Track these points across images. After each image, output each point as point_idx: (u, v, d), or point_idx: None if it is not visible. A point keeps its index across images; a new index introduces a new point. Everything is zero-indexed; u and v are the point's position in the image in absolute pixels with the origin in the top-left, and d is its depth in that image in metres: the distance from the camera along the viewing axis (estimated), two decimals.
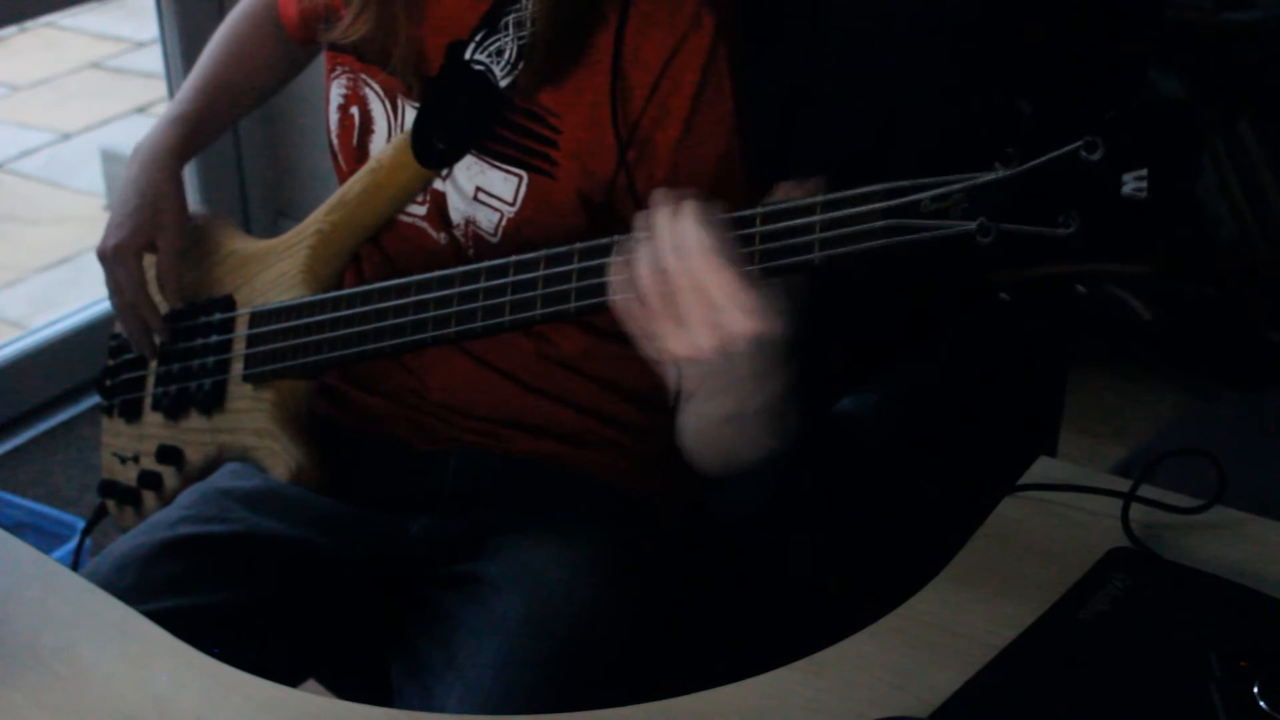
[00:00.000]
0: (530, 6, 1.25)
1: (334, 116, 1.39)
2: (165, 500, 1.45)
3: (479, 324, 1.21)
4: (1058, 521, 1.13)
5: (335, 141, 1.40)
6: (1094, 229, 0.92)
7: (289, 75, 1.61)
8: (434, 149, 1.31)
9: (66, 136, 4.07)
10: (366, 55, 1.35)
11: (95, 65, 4.53)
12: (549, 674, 1.18)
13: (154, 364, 1.50)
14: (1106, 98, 1.40)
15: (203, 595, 1.25)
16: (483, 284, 1.20)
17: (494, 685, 1.17)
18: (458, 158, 1.31)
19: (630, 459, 1.37)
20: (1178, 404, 2.62)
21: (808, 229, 1.02)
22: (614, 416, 1.36)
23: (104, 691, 1.00)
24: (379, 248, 1.39)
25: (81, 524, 1.61)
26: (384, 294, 1.28)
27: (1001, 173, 0.95)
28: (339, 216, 1.37)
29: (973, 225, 0.95)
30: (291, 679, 1.30)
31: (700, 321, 1.02)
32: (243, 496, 1.35)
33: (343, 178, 1.40)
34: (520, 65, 1.26)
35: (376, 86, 1.35)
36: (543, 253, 1.16)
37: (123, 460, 1.51)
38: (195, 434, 1.44)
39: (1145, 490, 1.12)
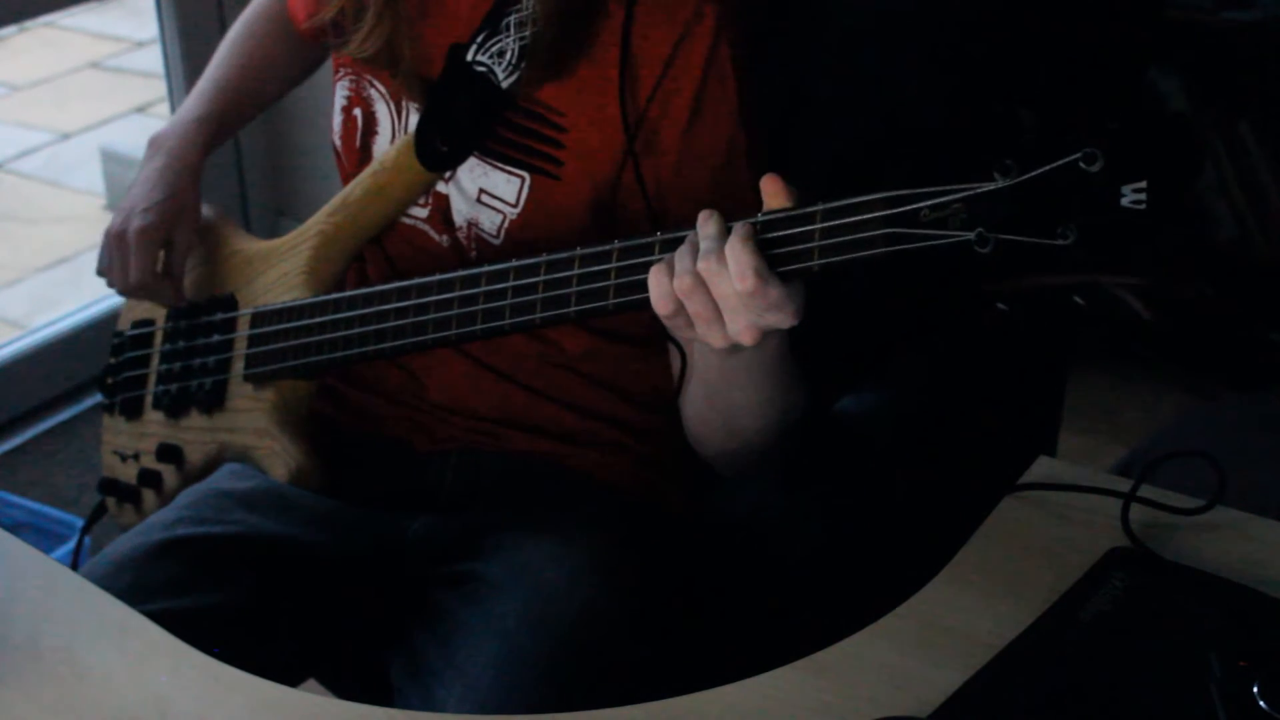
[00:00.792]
0: (531, 7, 1.25)
1: (337, 118, 1.40)
2: (165, 499, 1.46)
3: (479, 326, 1.21)
4: (1058, 521, 1.13)
5: (339, 143, 1.40)
6: (1092, 240, 0.92)
7: (304, 74, 1.61)
8: (437, 151, 1.31)
9: (66, 136, 4.07)
10: (371, 59, 1.35)
11: (95, 65, 4.53)
12: (549, 674, 1.18)
13: (155, 362, 1.50)
14: (1106, 100, 1.40)
15: (201, 596, 1.25)
16: (483, 287, 1.21)
17: (494, 685, 1.17)
18: (461, 160, 1.31)
19: (630, 459, 1.37)
20: (1178, 404, 2.62)
21: (807, 237, 1.03)
22: (614, 417, 1.36)
23: (104, 691, 1.00)
24: (381, 249, 1.39)
25: (81, 524, 1.61)
26: (385, 296, 1.28)
27: (1001, 183, 0.95)
28: (341, 218, 1.37)
29: (971, 235, 0.95)
30: (291, 679, 1.30)
31: (739, 321, 1.06)
32: (241, 497, 1.35)
33: (346, 179, 1.40)
34: (522, 66, 1.26)
35: (381, 88, 1.36)
36: (544, 258, 1.17)
37: (123, 458, 1.51)
38: (196, 433, 1.44)
39: (1145, 490, 1.12)
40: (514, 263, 1.19)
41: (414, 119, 1.33)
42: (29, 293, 3.26)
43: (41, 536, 2.02)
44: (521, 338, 1.32)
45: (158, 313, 1.51)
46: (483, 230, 1.32)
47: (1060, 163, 0.93)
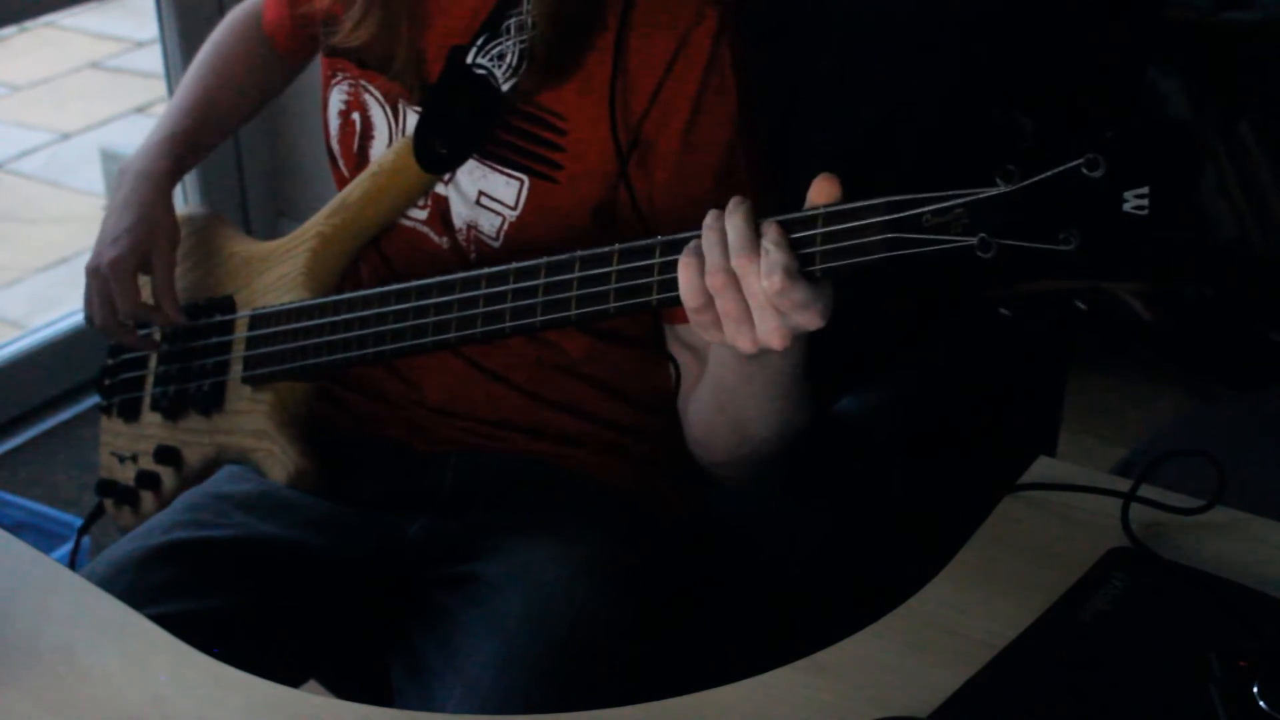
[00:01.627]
0: (531, 9, 1.25)
1: (334, 122, 1.39)
2: (163, 500, 1.46)
3: (479, 329, 1.21)
4: (1058, 521, 1.13)
5: (336, 147, 1.40)
6: (1094, 246, 0.92)
7: (276, 91, 1.60)
8: (436, 153, 1.31)
9: (66, 136, 4.07)
10: (367, 61, 1.35)
11: (95, 65, 4.53)
12: (548, 674, 1.18)
13: (153, 364, 1.50)
14: (1108, 103, 1.40)
15: (200, 600, 1.25)
16: (483, 290, 1.20)
17: (494, 685, 1.17)
18: (460, 162, 1.31)
19: (629, 460, 1.37)
20: (1178, 404, 2.62)
21: (808, 241, 1.02)
22: (613, 418, 1.36)
23: (104, 691, 1.00)
24: (380, 251, 1.39)
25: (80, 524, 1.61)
26: (384, 298, 1.28)
27: (1003, 188, 0.95)
28: (340, 220, 1.37)
29: (973, 240, 0.95)
30: (291, 679, 1.29)
31: (768, 322, 1.04)
32: (240, 500, 1.35)
33: (341, 184, 1.40)
34: (522, 69, 1.26)
35: (376, 92, 1.35)
36: (543, 260, 1.16)
37: (121, 460, 1.51)
38: (194, 435, 1.44)
39: (1145, 490, 1.12)
40: (514, 265, 1.19)
41: (411, 122, 1.33)
42: (29, 293, 3.26)
43: (41, 536, 2.02)
44: (520, 339, 1.32)
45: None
46: (482, 232, 1.32)
47: (1062, 168, 0.93)
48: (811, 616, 1.28)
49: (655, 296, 1.12)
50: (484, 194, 1.31)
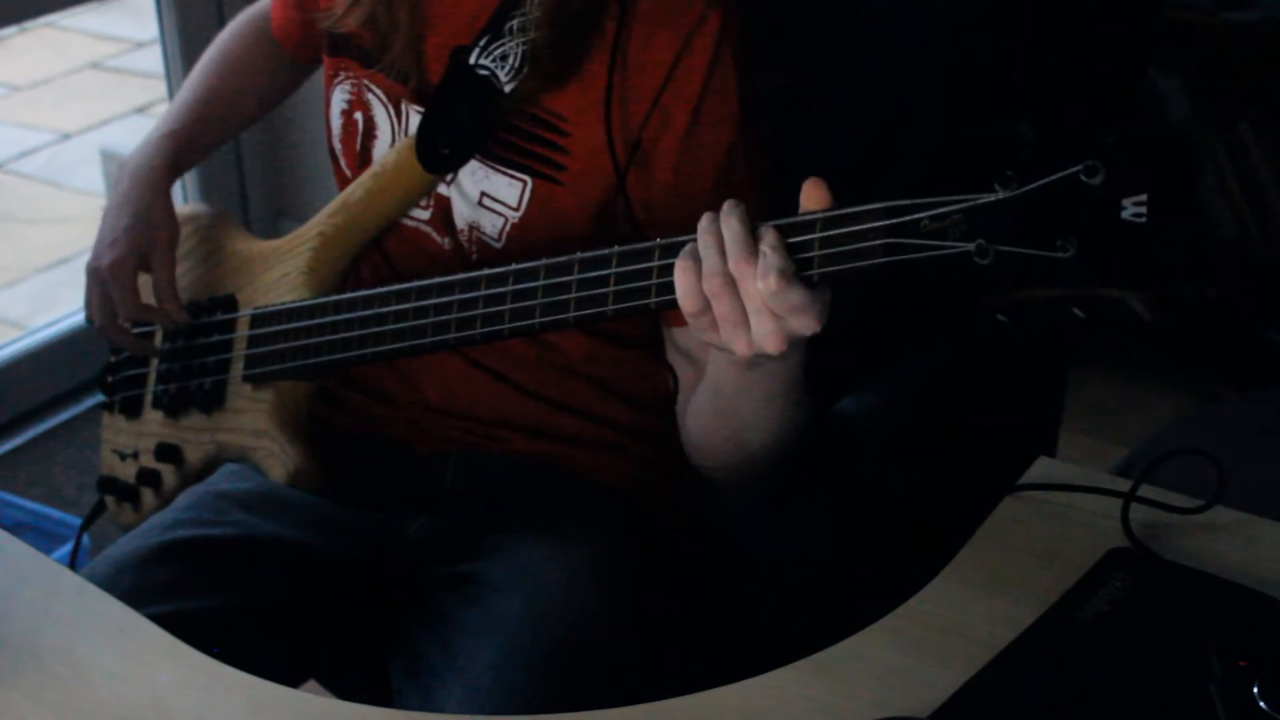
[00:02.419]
0: (534, 11, 1.24)
1: (336, 122, 1.39)
2: (164, 498, 1.46)
3: (479, 331, 1.21)
4: (1058, 521, 1.13)
5: (338, 146, 1.40)
6: (1092, 253, 0.92)
7: (280, 97, 1.60)
8: (438, 154, 1.31)
9: (66, 136, 4.07)
10: (370, 58, 1.35)
11: (95, 65, 4.53)
12: (548, 674, 1.18)
13: (155, 361, 1.50)
14: (1107, 105, 1.40)
15: (201, 599, 1.25)
16: (483, 291, 1.20)
17: (494, 685, 1.17)
18: (462, 163, 1.31)
19: (630, 460, 1.37)
20: (1178, 404, 2.62)
21: (806, 246, 1.02)
22: (613, 419, 1.36)
23: (104, 691, 1.00)
24: (382, 251, 1.39)
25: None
26: (385, 299, 1.28)
27: (1001, 194, 0.95)
28: (342, 219, 1.37)
29: (971, 246, 0.95)
30: (291, 679, 1.29)
31: (764, 326, 1.04)
32: (240, 499, 1.35)
33: (343, 184, 1.40)
34: (524, 70, 1.26)
35: (379, 91, 1.35)
36: (542, 262, 1.16)
37: (122, 457, 1.51)
38: (195, 433, 1.44)
39: (1145, 490, 1.12)
40: (513, 267, 1.18)
41: (414, 121, 1.33)
42: (29, 293, 3.26)
43: (41, 537, 2.02)
44: (521, 340, 1.32)
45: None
46: (484, 233, 1.32)
47: (1061, 175, 0.93)
48: (811, 616, 1.28)
49: (654, 300, 1.12)
50: (486, 195, 1.31)
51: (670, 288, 1.08)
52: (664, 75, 1.23)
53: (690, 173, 1.25)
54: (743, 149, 1.25)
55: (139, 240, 1.41)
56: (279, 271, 1.40)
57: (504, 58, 1.27)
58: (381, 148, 1.37)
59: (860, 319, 1.39)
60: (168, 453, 1.45)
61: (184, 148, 1.48)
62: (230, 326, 1.43)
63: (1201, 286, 0.92)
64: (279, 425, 1.37)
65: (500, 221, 1.30)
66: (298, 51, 1.51)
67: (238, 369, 1.41)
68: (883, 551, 1.37)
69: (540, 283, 1.16)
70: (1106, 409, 2.61)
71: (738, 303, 1.04)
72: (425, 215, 1.35)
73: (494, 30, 1.27)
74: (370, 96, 1.36)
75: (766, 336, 1.04)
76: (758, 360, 1.10)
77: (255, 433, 1.38)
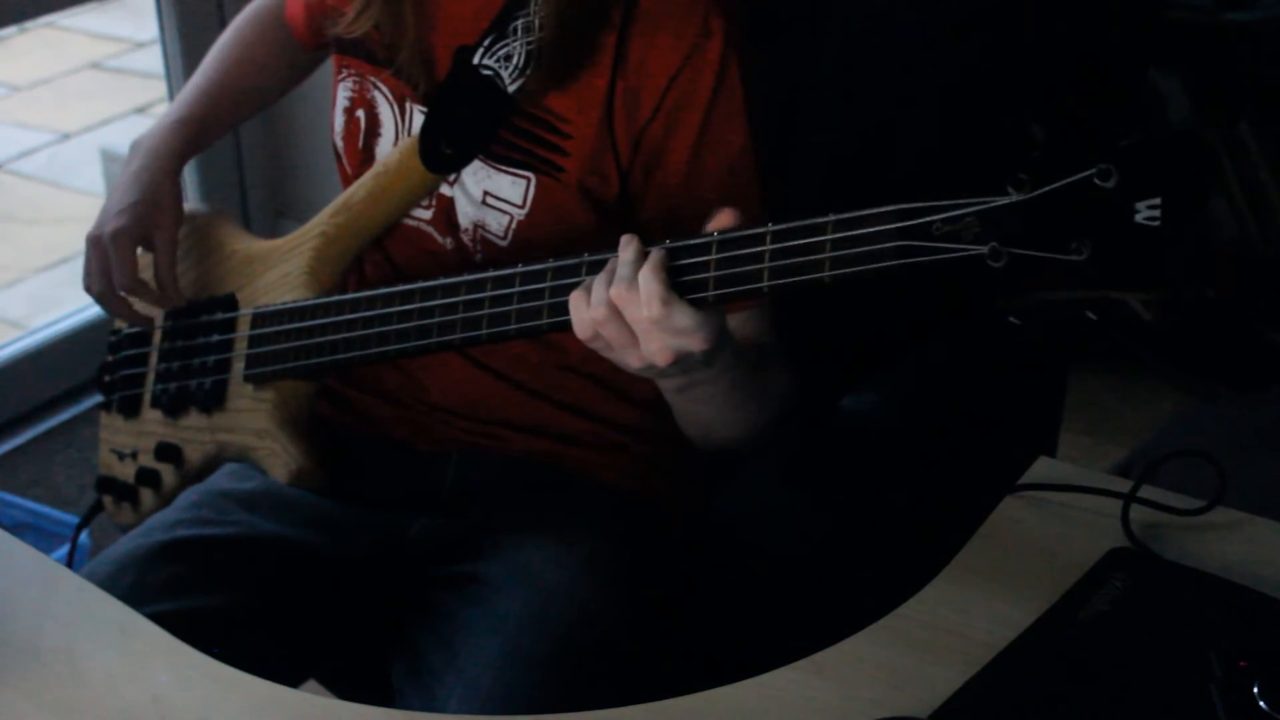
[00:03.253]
0: (538, 11, 1.24)
1: (339, 119, 1.39)
2: (163, 498, 1.46)
3: (484, 331, 1.21)
4: (1058, 521, 1.13)
5: (340, 144, 1.40)
6: (1106, 256, 0.91)
7: (292, 82, 1.60)
8: (441, 154, 1.31)
9: (66, 136, 4.07)
10: (376, 58, 1.35)
11: (95, 65, 4.53)
12: (549, 674, 1.18)
13: (154, 360, 1.50)
14: (1109, 104, 1.40)
15: (202, 597, 1.25)
16: (489, 293, 1.20)
17: (494, 685, 1.17)
18: (465, 163, 1.31)
19: (630, 459, 1.37)
20: (1178, 404, 2.62)
21: (819, 248, 1.02)
22: (613, 418, 1.36)
23: (104, 691, 1.00)
24: (383, 251, 1.39)
25: None
26: (389, 299, 1.28)
27: (1014, 197, 0.95)
28: (344, 219, 1.37)
29: (984, 249, 0.95)
30: (291, 679, 1.29)
31: (652, 344, 1.07)
32: (242, 498, 1.35)
33: (346, 181, 1.40)
34: (528, 70, 1.26)
35: (385, 89, 1.35)
36: (550, 264, 1.16)
37: (121, 456, 1.51)
38: (195, 432, 1.44)
39: (1145, 491, 1.12)
40: (520, 268, 1.18)
41: (418, 120, 1.33)
42: (29, 293, 3.26)
43: (41, 537, 2.02)
44: (522, 340, 1.32)
45: (155, 311, 1.51)
46: (489, 232, 1.32)
47: (1075, 178, 0.92)
48: (811, 616, 1.28)
49: None
50: (489, 194, 1.31)
51: (681, 285, 1.09)
52: (668, 79, 1.23)
53: (698, 178, 1.25)
54: (750, 154, 1.25)
55: (145, 217, 1.42)
56: (280, 271, 1.40)
57: (508, 58, 1.27)
58: (385, 146, 1.37)
59: (860, 319, 1.39)
60: (167, 452, 1.45)
61: (196, 133, 1.49)
62: (231, 326, 1.43)
63: (1201, 286, 0.92)
64: (280, 425, 1.37)
65: (506, 220, 1.30)
66: (308, 39, 1.52)
67: (239, 368, 1.41)
68: (883, 551, 1.37)
69: (548, 284, 1.16)
70: (1106, 409, 2.61)
71: (624, 328, 1.08)
72: (427, 215, 1.35)
73: (498, 30, 1.27)
74: (375, 94, 1.36)
75: (656, 353, 1.08)
76: (683, 387, 1.17)
77: (257, 432, 1.38)
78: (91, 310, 2.65)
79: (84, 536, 1.62)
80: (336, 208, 1.38)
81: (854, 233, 1.01)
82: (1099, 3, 1.46)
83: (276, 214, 2.94)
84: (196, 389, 1.44)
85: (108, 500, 1.54)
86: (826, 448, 1.39)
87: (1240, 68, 2.54)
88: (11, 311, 3.17)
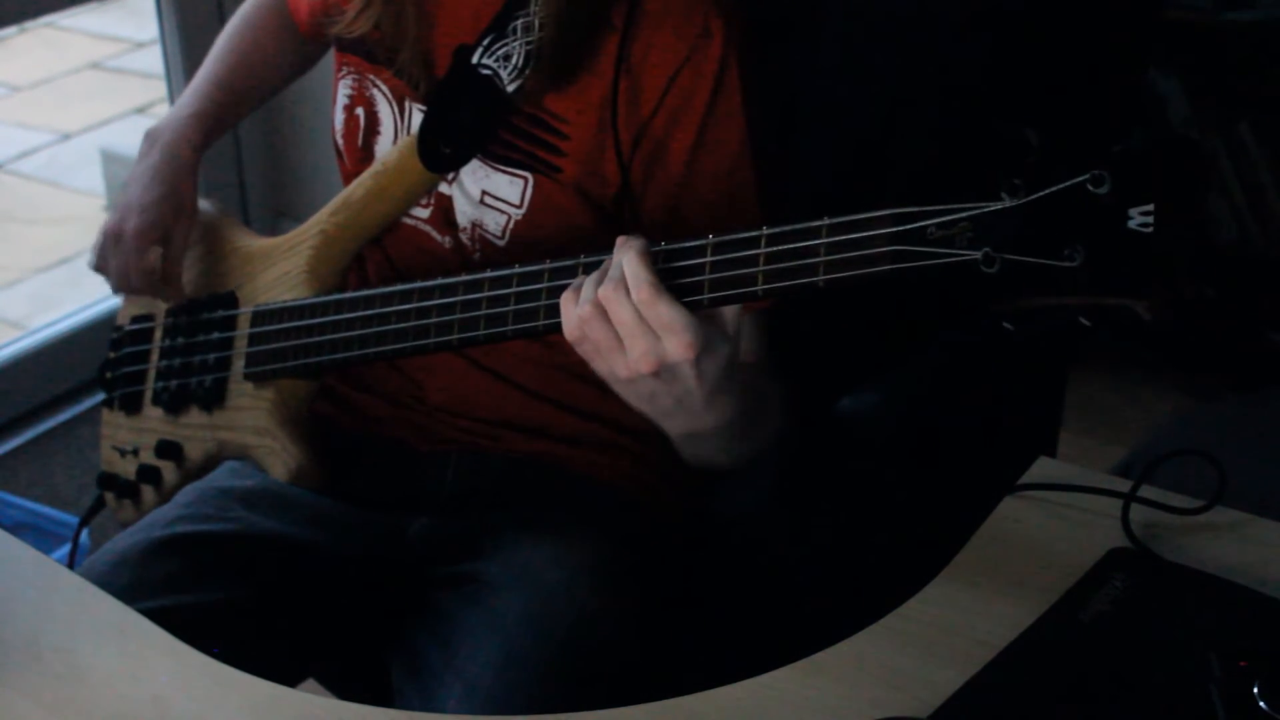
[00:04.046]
0: (538, 11, 1.24)
1: (339, 116, 1.40)
2: (164, 495, 1.46)
3: (481, 331, 1.21)
4: (1058, 521, 1.13)
5: (340, 142, 1.41)
6: (1099, 262, 0.92)
7: (298, 72, 1.61)
8: (440, 153, 1.31)
9: (66, 136, 4.07)
10: (376, 56, 1.35)
11: (95, 65, 4.53)
12: (548, 674, 1.18)
13: (155, 358, 1.50)
14: (1108, 106, 1.40)
15: (200, 593, 1.26)
16: (486, 293, 1.20)
17: (494, 685, 1.17)
18: (463, 162, 1.31)
19: (630, 460, 1.37)
20: (1178, 404, 2.62)
21: (813, 251, 1.02)
22: (613, 418, 1.36)
23: (104, 691, 1.00)
24: (383, 249, 1.39)
25: None
26: (388, 298, 1.28)
27: (1008, 203, 0.95)
28: (343, 218, 1.37)
29: (978, 254, 0.95)
30: (291, 679, 1.30)
31: (636, 348, 1.05)
32: (241, 495, 1.35)
33: (347, 179, 1.40)
34: (527, 70, 1.26)
35: (384, 88, 1.36)
36: (547, 265, 1.16)
37: (122, 453, 1.51)
38: (195, 430, 1.44)
39: (1145, 491, 1.12)
40: (517, 269, 1.18)
41: (417, 119, 1.33)
42: (29, 293, 3.26)
43: (41, 536, 2.02)
44: (522, 340, 1.32)
45: (157, 308, 1.51)
46: (487, 231, 1.32)
47: (1068, 184, 0.92)
48: (811, 616, 1.28)
49: None
50: (487, 193, 1.31)
51: (675, 288, 1.08)
52: (668, 79, 1.23)
53: (697, 179, 1.25)
54: (749, 155, 1.25)
55: (168, 214, 1.43)
56: (280, 269, 1.40)
57: (507, 57, 1.27)
58: (384, 144, 1.37)
59: (860, 319, 1.39)
60: (168, 450, 1.45)
61: (212, 127, 1.50)
62: (231, 324, 1.43)
63: (1201, 287, 0.92)
64: (280, 423, 1.37)
65: (504, 219, 1.30)
66: (309, 31, 1.52)
67: (238, 367, 1.41)
68: (883, 551, 1.37)
69: (544, 285, 1.16)
70: (1106, 409, 2.61)
71: (609, 329, 1.06)
72: (425, 214, 1.35)
73: (497, 30, 1.27)
74: (374, 92, 1.36)
75: (640, 358, 1.05)
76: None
77: (256, 431, 1.38)
78: (91, 310, 2.65)
79: (83, 537, 1.62)
80: (336, 206, 1.38)
81: (849, 236, 1.01)
82: (1098, 4, 1.46)
83: (276, 214, 2.94)
84: (197, 387, 1.44)
85: (109, 497, 1.54)
86: (826, 448, 1.39)
87: (1240, 68, 2.54)
88: (11, 311, 3.17)
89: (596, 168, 1.26)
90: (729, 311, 1.08)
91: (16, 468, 2.45)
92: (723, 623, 1.37)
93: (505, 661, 1.18)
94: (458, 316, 1.22)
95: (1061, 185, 0.93)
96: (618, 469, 1.37)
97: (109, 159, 3.60)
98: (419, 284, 1.26)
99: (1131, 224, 0.91)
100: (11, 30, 4.31)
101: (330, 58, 1.44)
